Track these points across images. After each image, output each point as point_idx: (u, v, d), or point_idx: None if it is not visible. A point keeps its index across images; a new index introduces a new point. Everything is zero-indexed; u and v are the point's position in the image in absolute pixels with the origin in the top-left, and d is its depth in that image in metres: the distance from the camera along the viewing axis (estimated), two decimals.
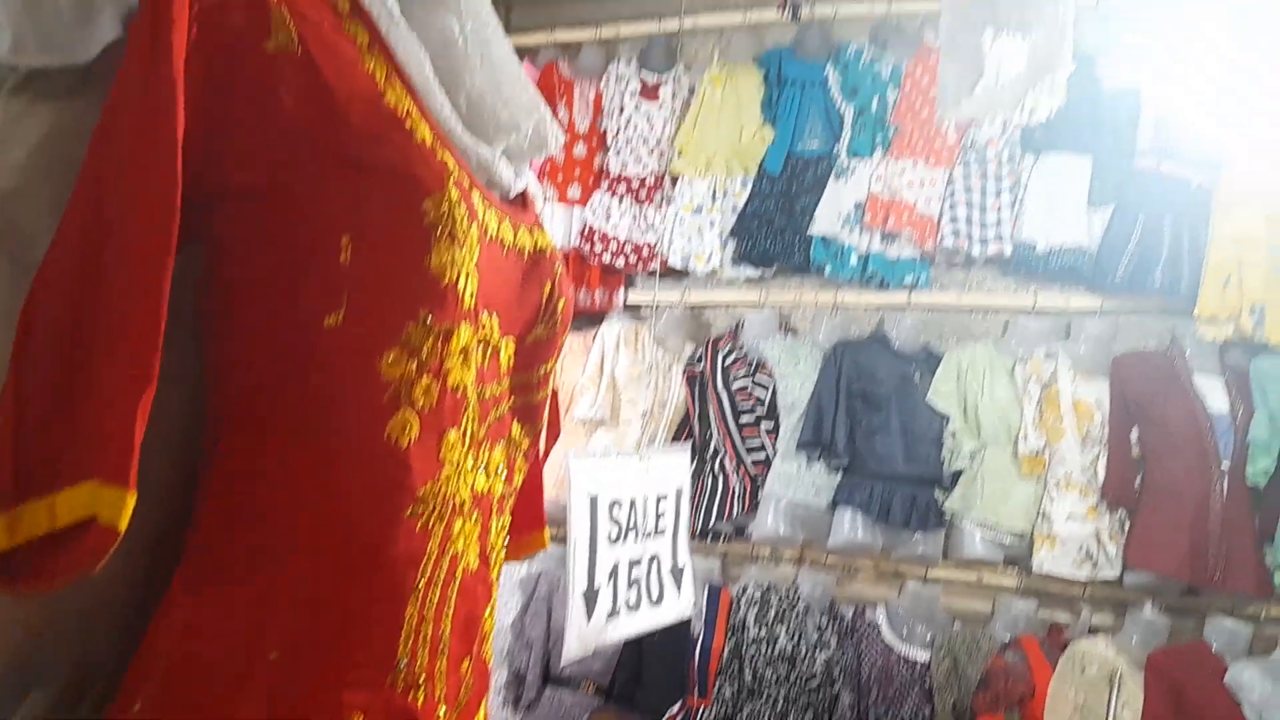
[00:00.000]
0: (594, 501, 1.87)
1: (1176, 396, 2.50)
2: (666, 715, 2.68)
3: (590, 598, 1.88)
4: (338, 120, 0.65)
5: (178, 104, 0.59)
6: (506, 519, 0.83)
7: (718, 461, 2.93)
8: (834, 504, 2.76)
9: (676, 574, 1.98)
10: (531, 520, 1.05)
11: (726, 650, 2.70)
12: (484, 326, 0.74)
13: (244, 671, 0.62)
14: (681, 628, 2.77)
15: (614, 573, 1.92)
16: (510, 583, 2.95)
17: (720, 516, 2.87)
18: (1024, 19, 1.02)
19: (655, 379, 3.02)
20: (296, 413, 0.64)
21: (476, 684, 0.78)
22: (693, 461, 3.00)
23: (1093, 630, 2.56)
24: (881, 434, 2.74)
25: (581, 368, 3.07)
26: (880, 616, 2.72)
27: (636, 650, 2.79)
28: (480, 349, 0.73)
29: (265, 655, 0.63)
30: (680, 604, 1.99)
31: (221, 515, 0.65)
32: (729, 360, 2.97)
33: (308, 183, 0.66)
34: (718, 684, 2.68)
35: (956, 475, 2.73)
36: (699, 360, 3.01)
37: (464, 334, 0.69)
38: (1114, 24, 2.79)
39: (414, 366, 0.65)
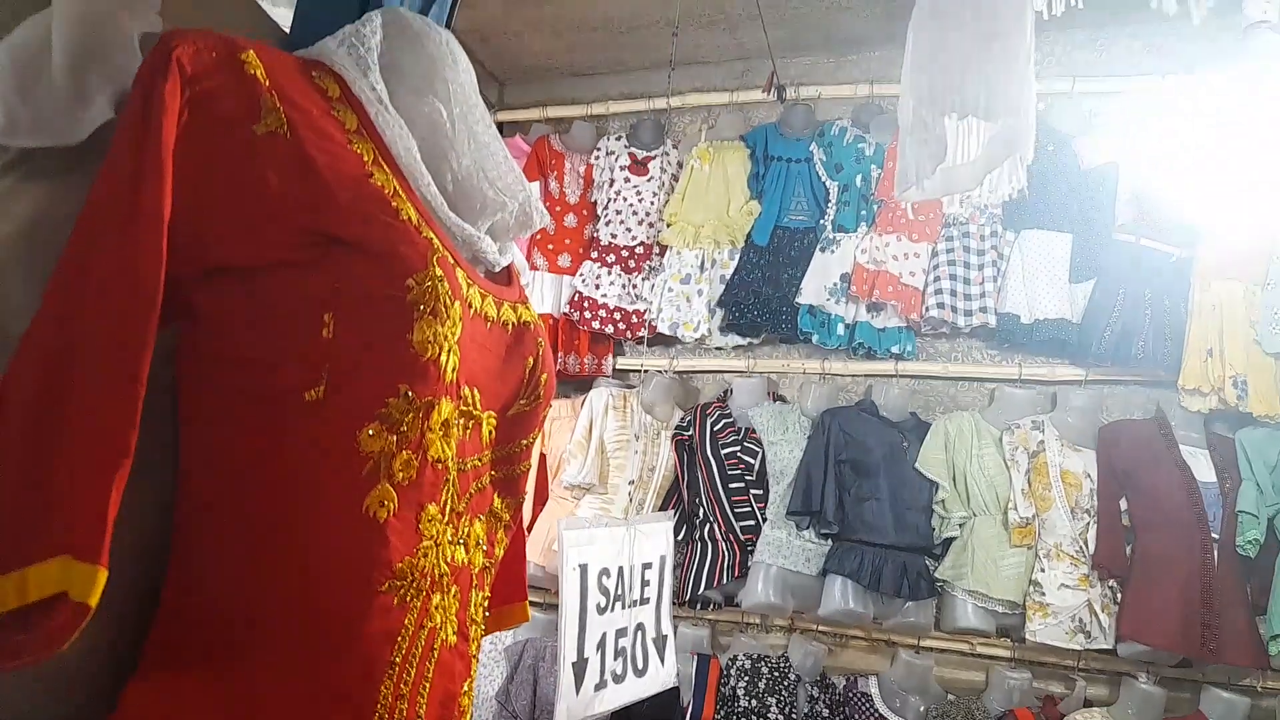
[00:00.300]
0: (584, 570, 1.86)
1: (1165, 466, 2.51)
2: None
3: (580, 668, 1.86)
4: (325, 199, 0.68)
5: (165, 184, 0.61)
6: (486, 593, 0.83)
7: (707, 529, 2.91)
8: (824, 572, 2.74)
9: (660, 643, 1.97)
10: (513, 591, 1.04)
11: None
12: (465, 400, 0.75)
13: None
14: (670, 698, 2.73)
15: (602, 643, 1.90)
16: (495, 651, 2.90)
17: (709, 584, 2.84)
18: (990, 104, 1.05)
19: (644, 445, 3.03)
20: (273, 486, 0.65)
21: None
22: (682, 529, 2.99)
23: (1088, 702, 2.52)
24: (871, 502, 2.73)
25: (570, 433, 3.07)
26: (873, 687, 2.68)
27: None
28: (461, 423, 0.74)
29: None
30: (664, 674, 1.96)
31: (194, 589, 0.65)
32: (718, 426, 2.98)
33: (294, 260, 0.68)
34: None
35: (947, 543, 2.72)
36: (688, 426, 3.01)
37: (445, 408, 0.70)
38: (1088, 105, 2.88)
39: (394, 440, 0.66)
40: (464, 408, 0.74)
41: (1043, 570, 2.57)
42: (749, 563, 2.82)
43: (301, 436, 0.65)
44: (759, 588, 2.76)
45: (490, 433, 0.80)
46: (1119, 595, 2.52)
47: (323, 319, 0.67)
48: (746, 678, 2.71)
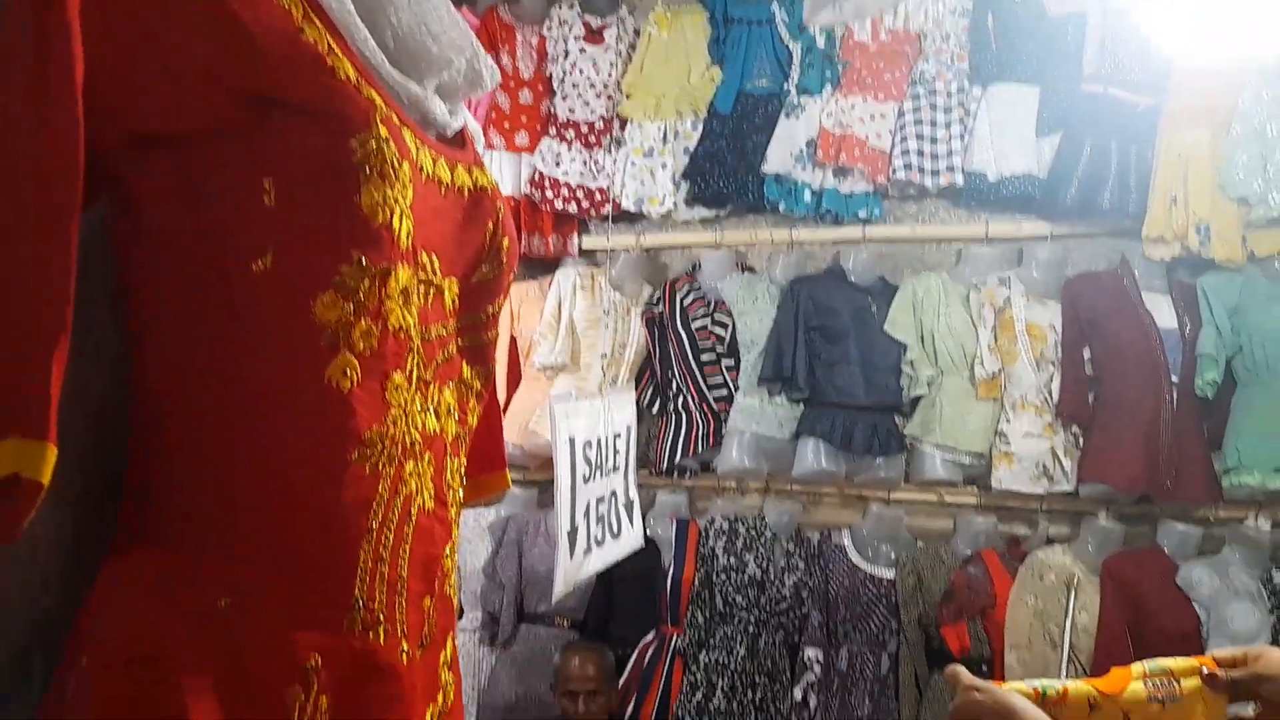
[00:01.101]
0: (573, 443, 1.92)
1: (1127, 314, 2.56)
2: (640, 643, 2.75)
3: (572, 536, 1.94)
4: (253, 57, 0.64)
5: (74, 44, 0.57)
6: (462, 460, 0.84)
7: (680, 401, 2.96)
8: (797, 435, 2.81)
9: (629, 507, 2.05)
10: (491, 461, 1.05)
11: (697, 580, 2.77)
12: (424, 267, 0.73)
13: (194, 621, 0.62)
14: (651, 562, 2.84)
15: (587, 511, 1.97)
16: (479, 528, 2.98)
17: (685, 453, 2.91)
18: None
19: (614, 322, 3.03)
20: (229, 362, 0.64)
21: (441, 620, 0.79)
22: (656, 402, 3.04)
23: (1050, 541, 2.65)
24: (841, 365, 2.78)
25: (539, 315, 3.06)
26: (846, 539, 2.80)
27: (608, 585, 2.85)
28: (422, 290, 0.73)
29: (214, 603, 0.63)
30: (633, 535, 2.06)
31: (157, 470, 0.65)
32: (687, 301, 2.98)
33: (226, 127, 0.64)
34: (690, 612, 2.75)
35: (915, 401, 2.79)
36: (657, 302, 3.01)
37: (402, 275, 0.69)
38: None
39: (351, 309, 0.65)
40: (423, 275, 0.73)
41: (1008, 421, 2.65)
42: (723, 431, 2.88)
43: (253, 309, 0.63)
44: (734, 454, 2.83)
45: (453, 301, 0.79)
46: (1081, 441, 2.61)
47: (263, 185, 0.64)
48: (724, 538, 2.81)
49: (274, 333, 0.64)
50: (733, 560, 2.77)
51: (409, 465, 0.72)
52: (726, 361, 2.92)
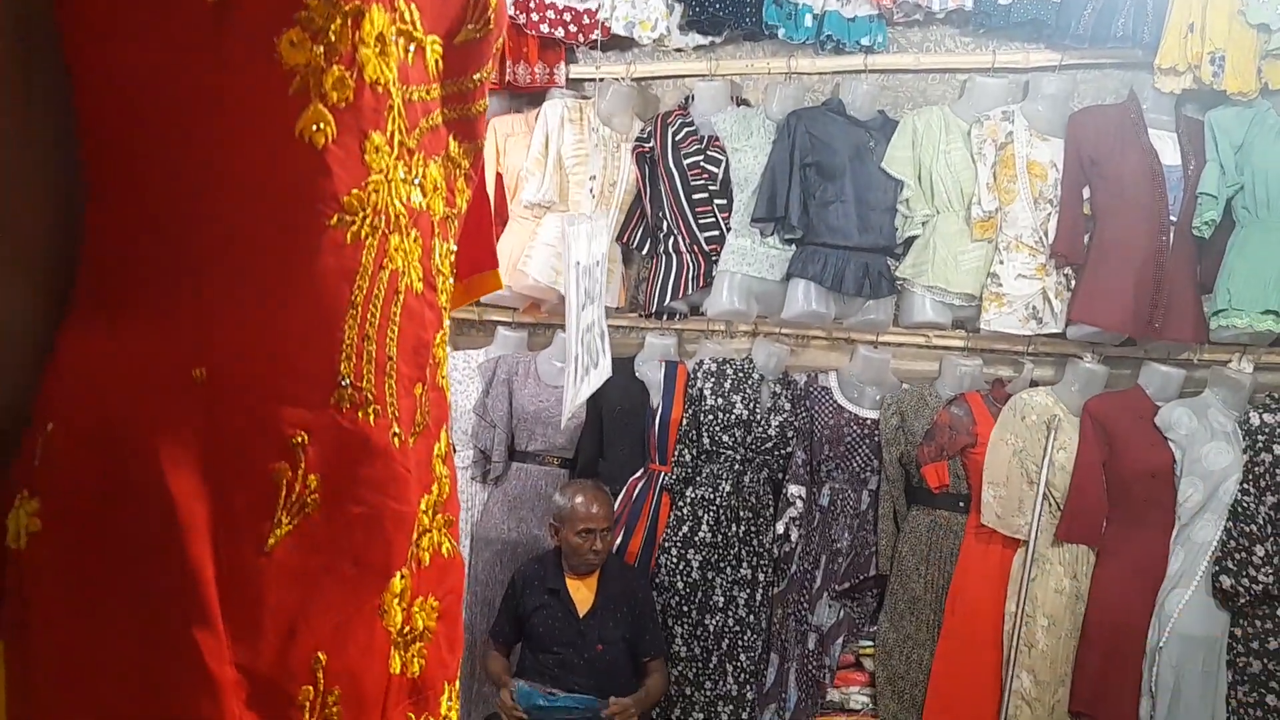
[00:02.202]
0: (578, 267, 1.90)
1: (1131, 151, 2.49)
2: (629, 480, 2.81)
3: (577, 360, 1.95)
4: None
5: None
6: (451, 246, 0.78)
7: (671, 242, 2.89)
8: (788, 276, 2.77)
9: (603, 337, 2.05)
10: (483, 258, 1.00)
11: (685, 420, 2.80)
12: (402, 16, 0.66)
13: (167, 391, 0.58)
14: (640, 402, 2.86)
15: (581, 337, 1.97)
16: (469, 369, 2.98)
17: (675, 295, 2.87)
18: None
19: (604, 158, 2.92)
20: (190, 113, 0.57)
21: (434, 410, 0.76)
22: (646, 242, 2.97)
23: (1034, 384, 2.68)
24: (836, 204, 2.71)
25: (525, 150, 2.94)
26: (832, 381, 2.82)
27: (597, 425, 2.88)
28: (401, 43, 0.65)
29: (188, 373, 0.59)
30: (606, 365, 2.08)
31: (117, 233, 0.60)
32: (679, 136, 2.87)
33: None
34: (677, 450, 2.80)
35: (909, 243, 2.74)
36: (648, 137, 2.89)
37: (377, 18, 0.61)
38: None
39: (321, 52, 0.58)
40: (401, 25, 0.65)
41: (1001, 262, 2.62)
42: (713, 272, 2.84)
43: (209, 49, 0.56)
44: (724, 295, 2.80)
45: (436, 63, 0.71)
46: (1073, 282, 2.59)
47: None
48: (713, 379, 2.82)
49: (237, 76, 0.57)
50: (720, 401, 2.79)
51: (394, 240, 0.67)
52: (719, 200, 2.84)
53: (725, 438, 2.76)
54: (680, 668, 2.71)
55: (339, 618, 0.66)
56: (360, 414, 0.65)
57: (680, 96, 3.07)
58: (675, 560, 2.75)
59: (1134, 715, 2.40)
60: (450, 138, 0.76)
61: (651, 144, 2.88)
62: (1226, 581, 2.27)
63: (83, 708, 0.57)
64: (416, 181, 0.70)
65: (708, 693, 2.70)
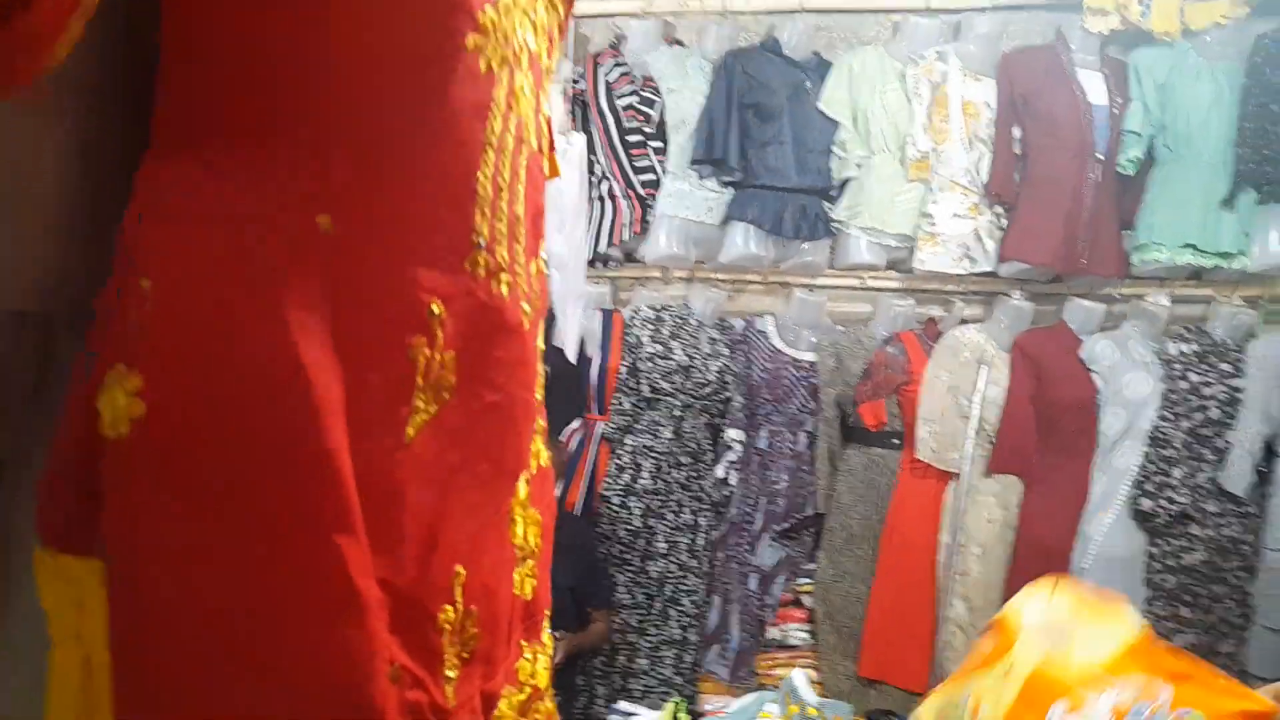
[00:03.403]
0: None
1: (1061, 90, 2.53)
2: (567, 429, 2.76)
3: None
4: None
5: None
6: (548, 106, 0.70)
7: (605, 187, 2.83)
8: (726, 220, 2.74)
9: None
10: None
11: (623, 369, 2.77)
12: None
13: (289, 240, 0.48)
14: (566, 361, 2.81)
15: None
16: None
17: (610, 242, 2.82)
18: None
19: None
20: None
21: (542, 295, 0.67)
22: (582, 184, 2.90)
23: (965, 321, 2.72)
24: (774, 146, 2.69)
25: None
26: (769, 325, 2.82)
27: None
28: None
29: (311, 220, 0.48)
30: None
31: (209, 59, 0.48)
32: (612, 77, 2.79)
33: None
34: (616, 399, 2.77)
35: (845, 184, 2.74)
36: (579, 79, 2.81)
37: None
38: None
39: None
40: None
41: (935, 203, 2.64)
42: (649, 217, 2.79)
43: None
44: (661, 240, 2.76)
45: None
46: (1004, 221, 2.63)
47: None
48: (650, 326, 2.79)
49: None
50: (659, 348, 2.76)
51: (519, 78, 0.57)
52: (654, 143, 2.79)
53: (665, 384, 2.74)
54: (624, 615, 2.70)
55: (475, 526, 0.57)
56: (493, 284, 0.57)
57: (611, 36, 2.98)
58: (616, 508, 2.73)
59: None
60: None
61: (583, 85, 2.80)
62: (1146, 504, 2.37)
63: (202, 636, 0.46)
64: (532, 16, 0.60)
65: (651, 638, 2.71)
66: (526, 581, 0.66)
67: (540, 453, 0.70)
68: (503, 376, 0.58)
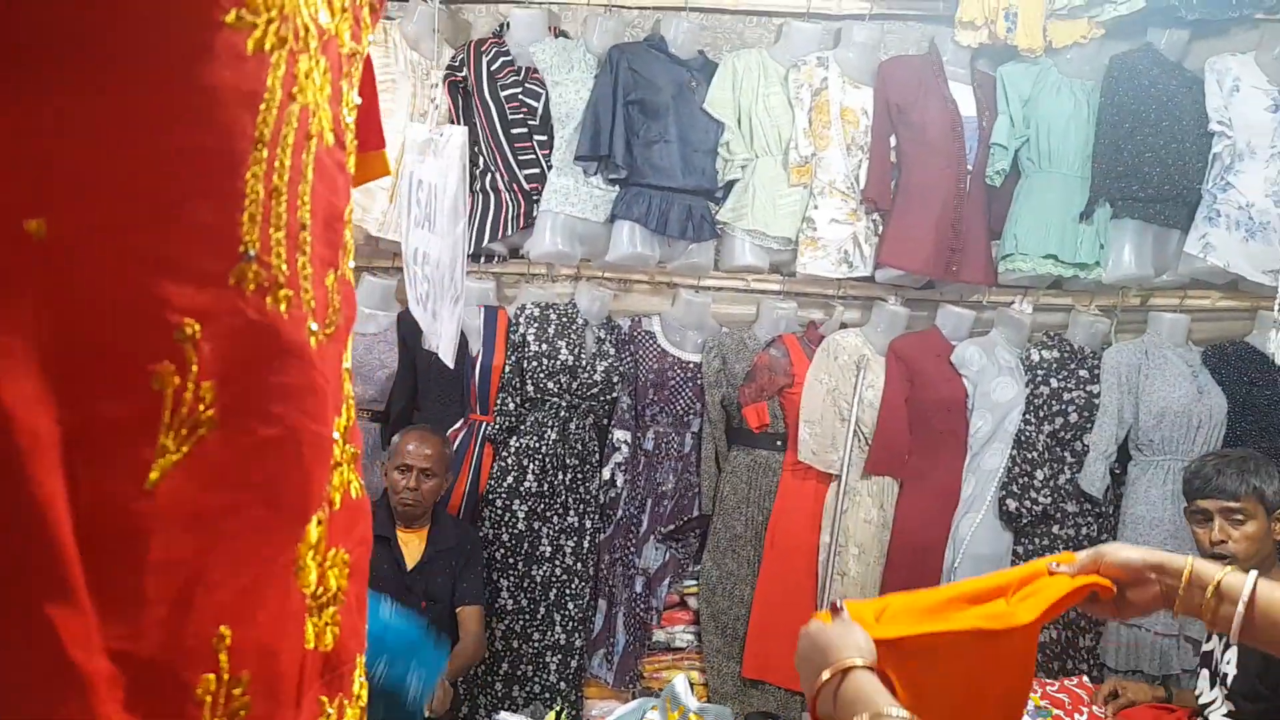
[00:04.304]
0: (413, 180, 1.74)
1: (934, 100, 2.60)
2: (449, 431, 2.67)
3: (416, 285, 1.79)
4: None
5: None
6: (355, 94, 0.61)
7: (489, 179, 2.74)
8: (613, 218, 2.70)
9: (454, 272, 1.93)
10: (370, 134, 0.81)
11: (507, 367, 2.69)
12: None
13: None
14: (458, 351, 2.71)
15: (422, 268, 1.82)
16: None
17: (494, 236, 2.73)
18: None
19: (413, 86, 2.70)
20: None
21: (345, 308, 0.59)
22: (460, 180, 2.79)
23: (844, 325, 2.79)
24: (660, 144, 2.66)
25: None
26: (655, 325, 2.80)
27: (410, 374, 2.71)
28: None
29: (18, 223, 0.40)
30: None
31: None
32: (495, 66, 2.70)
33: None
34: (500, 399, 2.69)
35: (729, 187, 2.75)
36: (461, 66, 2.70)
37: None
38: None
39: None
40: None
41: (816, 207, 2.68)
42: (534, 212, 2.72)
43: None
44: (546, 237, 2.69)
45: None
46: (880, 228, 2.70)
47: None
48: (536, 324, 2.72)
49: None
50: (545, 347, 2.70)
51: (303, 63, 0.50)
52: (539, 136, 2.71)
53: (550, 384, 2.68)
54: (507, 621, 2.64)
55: (246, 579, 0.50)
56: (269, 300, 0.49)
57: (494, 23, 2.89)
58: (500, 512, 2.66)
59: None
60: None
61: (465, 73, 2.69)
62: (1011, 504, 2.49)
63: None
64: None
65: (535, 644, 2.65)
66: (327, 631, 0.59)
67: (349, 483, 0.64)
68: (281, 406, 0.51)
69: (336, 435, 0.59)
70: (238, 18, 0.45)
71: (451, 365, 1.96)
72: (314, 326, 0.53)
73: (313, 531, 0.56)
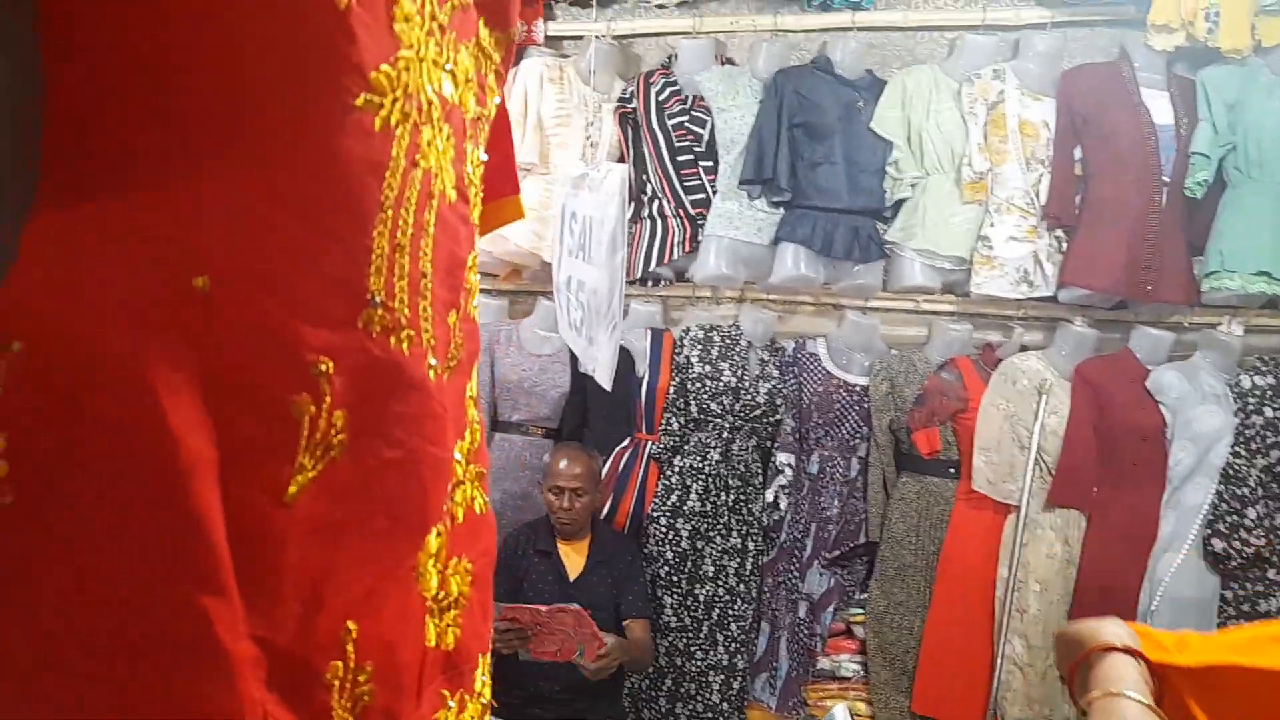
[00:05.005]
0: (567, 214, 1.84)
1: (1124, 109, 2.44)
2: (616, 450, 2.75)
3: (568, 313, 1.87)
4: None
5: None
6: (482, 153, 0.69)
7: (655, 205, 2.82)
8: (776, 240, 2.71)
9: (610, 299, 2.01)
10: (504, 182, 0.88)
11: (672, 389, 2.74)
12: None
13: (163, 301, 0.47)
14: (625, 371, 2.80)
15: (577, 295, 1.91)
16: None
17: (660, 260, 2.80)
18: None
19: (586, 119, 2.83)
20: None
21: (468, 344, 0.67)
22: (630, 206, 2.89)
23: (1023, 348, 2.65)
24: (825, 166, 2.65)
25: None
26: (820, 348, 2.77)
27: (582, 395, 2.82)
28: None
29: (187, 281, 0.48)
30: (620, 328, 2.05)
31: (89, 99, 0.48)
32: (663, 95, 2.78)
33: None
34: (665, 419, 2.74)
35: (898, 205, 2.69)
36: (630, 97, 2.81)
37: None
38: None
39: None
40: None
41: (992, 225, 2.57)
42: (699, 237, 2.77)
43: None
44: (711, 260, 2.73)
45: None
46: (1064, 245, 2.56)
47: None
48: (700, 346, 2.76)
49: None
50: (708, 368, 2.73)
51: (425, 133, 0.57)
52: (704, 162, 2.77)
53: (713, 406, 2.71)
54: (671, 638, 2.67)
55: (370, 581, 0.58)
56: (392, 339, 0.56)
57: (663, 55, 2.98)
58: (664, 530, 2.70)
59: None
60: (480, 23, 0.66)
61: (634, 104, 2.79)
62: (1218, 544, 2.27)
63: (66, 695, 0.46)
64: (449, 67, 0.59)
65: (699, 663, 2.67)
66: (449, 632, 0.67)
67: (472, 500, 0.71)
68: (403, 432, 0.58)
69: (458, 456, 0.66)
70: (366, 100, 0.52)
71: (609, 389, 2.05)
72: (433, 361, 0.60)
73: (432, 542, 0.63)
